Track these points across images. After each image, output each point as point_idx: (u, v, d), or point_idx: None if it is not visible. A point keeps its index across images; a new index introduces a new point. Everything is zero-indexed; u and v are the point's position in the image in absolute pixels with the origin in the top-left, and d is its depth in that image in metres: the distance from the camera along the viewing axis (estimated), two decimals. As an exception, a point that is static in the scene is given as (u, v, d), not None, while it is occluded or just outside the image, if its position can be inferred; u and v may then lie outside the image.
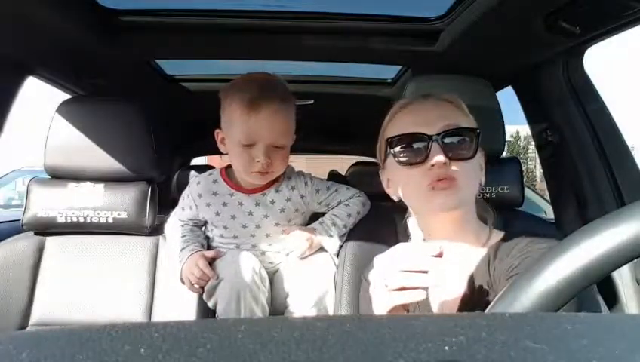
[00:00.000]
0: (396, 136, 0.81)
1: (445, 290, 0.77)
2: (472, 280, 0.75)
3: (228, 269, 1.05)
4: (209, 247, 1.19)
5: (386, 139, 0.83)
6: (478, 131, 0.80)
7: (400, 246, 0.61)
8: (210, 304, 1.08)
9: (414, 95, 1.13)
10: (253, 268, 1.05)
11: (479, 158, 0.82)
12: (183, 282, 1.11)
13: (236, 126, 1.03)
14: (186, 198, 1.18)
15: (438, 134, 0.77)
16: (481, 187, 0.85)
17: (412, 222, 0.94)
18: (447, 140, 0.77)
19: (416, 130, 0.78)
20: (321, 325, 0.28)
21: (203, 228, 1.22)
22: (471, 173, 0.79)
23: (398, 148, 0.80)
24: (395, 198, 0.88)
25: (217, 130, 1.11)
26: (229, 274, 1.04)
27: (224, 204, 1.14)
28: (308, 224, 1.20)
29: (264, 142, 1.03)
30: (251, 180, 1.10)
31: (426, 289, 0.57)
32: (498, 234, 0.83)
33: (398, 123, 0.84)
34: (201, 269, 1.06)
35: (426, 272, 0.56)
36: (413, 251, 0.57)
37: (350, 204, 1.19)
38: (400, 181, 0.84)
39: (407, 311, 0.63)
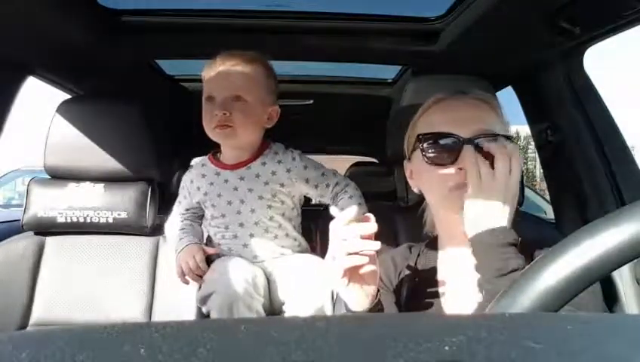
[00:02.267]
0: (429, 133, 0.78)
1: (461, 300, 0.76)
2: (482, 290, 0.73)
3: (219, 282, 1.04)
4: (208, 241, 1.20)
5: (417, 135, 0.80)
6: (513, 139, 0.78)
7: (337, 224, 0.65)
8: (204, 310, 1.08)
9: (416, 95, 1.14)
10: (245, 279, 1.03)
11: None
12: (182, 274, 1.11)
13: (203, 85, 1.11)
14: (182, 188, 1.22)
15: (472, 137, 0.74)
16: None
17: (427, 220, 0.93)
18: (479, 145, 0.74)
19: (450, 130, 0.76)
20: (321, 325, 0.28)
21: (202, 222, 1.24)
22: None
23: (427, 146, 0.78)
24: (415, 190, 0.87)
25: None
26: (221, 287, 1.03)
27: (211, 184, 1.16)
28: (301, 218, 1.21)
29: (221, 94, 1.07)
30: (219, 140, 1.12)
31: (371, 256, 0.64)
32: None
33: (432, 119, 0.81)
34: (196, 262, 1.07)
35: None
36: (357, 232, 0.64)
37: (354, 196, 1.18)
38: (424, 177, 0.82)
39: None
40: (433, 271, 0.82)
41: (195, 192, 1.18)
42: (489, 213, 0.69)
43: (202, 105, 1.12)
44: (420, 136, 0.79)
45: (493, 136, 0.75)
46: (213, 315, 1.03)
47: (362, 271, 0.65)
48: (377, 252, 0.67)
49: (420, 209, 0.94)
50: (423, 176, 0.82)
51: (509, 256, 0.67)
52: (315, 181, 1.18)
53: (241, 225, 1.15)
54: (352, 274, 0.66)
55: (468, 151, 0.73)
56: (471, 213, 0.71)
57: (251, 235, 1.15)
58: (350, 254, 0.63)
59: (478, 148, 0.74)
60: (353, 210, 0.65)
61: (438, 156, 0.77)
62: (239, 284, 1.02)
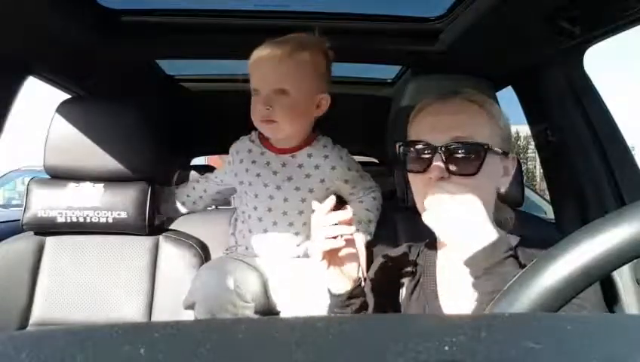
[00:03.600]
0: (404, 142, 0.80)
1: (460, 300, 0.75)
2: (492, 292, 0.72)
3: (200, 292, 1.02)
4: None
5: (396, 143, 0.82)
6: (487, 145, 0.74)
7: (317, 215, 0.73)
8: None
9: (416, 95, 1.13)
10: (227, 289, 0.99)
11: (495, 166, 0.77)
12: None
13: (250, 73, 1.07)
14: (229, 156, 1.23)
15: (443, 146, 0.73)
16: (497, 195, 0.81)
17: None
18: (450, 153, 0.73)
19: (426, 137, 0.76)
20: (321, 325, 0.28)
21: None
22: (473, 189, 0.72)
23: (404, 154, 0.79)
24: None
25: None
26: (201, 298, 1.01)
27: (253, 162, 1.16)
28: None
29: (264, 88, 1.05)
30: (265, 133, 1.12)
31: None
32: (514, 240, 0.79)
33: (416, 125, 0.82)
34: None
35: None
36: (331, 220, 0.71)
37: (376, 198, 1.20)
38: (410, 183, 0.83)
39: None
40: (432, 270, 0.82)
41: (239, 165, 1.18)
42: (471, 230, 0.67)
43: (252, 95, 1.09)
44: (398, 145, 0.81)
45: (464, 144, 0.73)
46: None
47: (341, 253, 0.73)
48: (368, 250, 0.70)
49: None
50: (409, 182, 0.83)
51: (509, 268, 0.65)
52: (353, 183, 1.18)
53: (269, 210, 1.14)
54: (332, 257, 0.73)
55: (438, 159, 0.73)
56: (454, 234, 0.69)
57: (274, 223, 1.14)
58: (328, 238, 0.70)
59: (450, 156, 0.73)
60: (331, 200, 0.72)
61: (413, 164, 0.78)
62: (221, 295, 0.99)
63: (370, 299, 0.85)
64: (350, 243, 0.73)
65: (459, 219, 0.67)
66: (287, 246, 1.15)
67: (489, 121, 0.78)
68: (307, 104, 1.08)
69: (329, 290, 0.77)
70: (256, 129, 1.16)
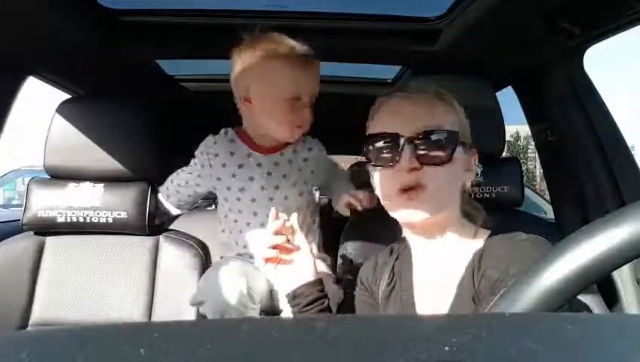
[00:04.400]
0: (370, 135, 0.77)
1: (435, 293, 0.75)
2: (459, 293, 0.71)
3: (210, 293, 1.01)
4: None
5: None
6: (457, 133, 0.74)
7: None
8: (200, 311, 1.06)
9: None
10: (239, 291, 0.99)
11: (462, 160, 0.76)
12: None
13: (280, 80, 1.04)
14: (200, 156, 1.16)
15: (411, 137, 0.72)
16: (464, 188, 0.79)
17: None
18: (420, 143, 0.71)
19: (393, 129, 0.73)
20: (321, 325, 0.28)
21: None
22: (445, 179, 0.73)
23: (371, 148, 0.76)
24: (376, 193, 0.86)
25: (245, 95, 1.10)
26: (212, 298, 1.00)
27: (240, 166, 1.12)
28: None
29: (310, 94, 1.06)
30: (290, 137, 1.11)
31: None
32: (485, 234, 0.78)
33: (379, 119, 0.79)
34: None
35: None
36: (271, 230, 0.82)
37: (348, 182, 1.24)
38: (374, 179, 0.80)
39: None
40: (409, 271, 0.81)
41: (220, 169, 1.13)
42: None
43: (272, 101, 1.06)
44: (364, 138, 0.78)
45: (432, 133, 0.72)
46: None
47: (284, 258, 0.82)
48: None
49: None
50: (373, 178, 0.80)
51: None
52: (330, 172, 1.23)
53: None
54: (277, 261, 0.82)
55: (408, 150, 0.71)
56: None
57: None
58: (268, 247, 0.81)
59: (420, 146, 0.72)
60: (272, 210, 0.84)
61: (381, 158, 0.75)
62: (231, 296, 0.98)
63: (357, 301, 0.87)
64: (284, 250, 0.82)
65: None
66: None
67: (453, 113, 0.77)
68: None
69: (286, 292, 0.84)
70: (230, 127, 1.17)
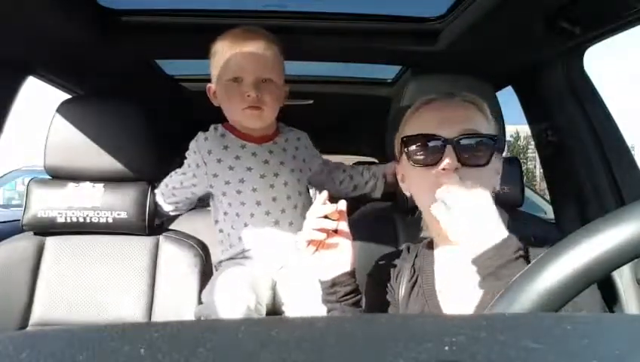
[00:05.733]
0: (412, 135, 0.79)
1: (459, 298, 0.76)
2: (486, 288, 0.72)
3: (217, 307, 0.98)
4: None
5: (402, 138, 0.81)
6: (496, 138, 0.78)
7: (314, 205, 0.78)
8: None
9: (416, 95, 1.14)
10: (247, 306, 0.96)
11: (495, 163, 0.79)
12: None
13: (224, 64, 1.06)
14: (193, 155, 1.15)
15: (454, 138, 0.74)
16: (494, 192, 0.81)
17: (423, 221, 0.93)
18: (462, 145, 0.74)
19: (434, 131, 0.76)
20: (321, 325, 0.28)
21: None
22: (483, 181, 0.75)
23: (412, 148, 0.78)
24: (407, 194, 0.87)
25: (208, 85, 1.13)
26: (218, 314, 0.97)
27: (237, 158, 1.12)
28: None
29: (252, 75, 1.05)
30: (247, 121, 1.10)
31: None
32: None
33: (419, 120, 0.82)
34: None
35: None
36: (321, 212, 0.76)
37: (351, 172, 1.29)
38: (412, 180, 0.82)
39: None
40: (430, 270, 0.82)
41: (215, 165, 1.12)
42: (484, 223, 0.67)
43: (221, 86, 1.08)
44: (404, 139, 0.80)
45: (475, 136, 0.75)
46: None
47: (328, 241, 0.78)
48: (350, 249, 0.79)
49: (417, 211, 0.94)
50: (411, 179, 0.83)
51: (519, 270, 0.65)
52: (319, 158, 1.25)
53: (274, 199, 1.13)
54: (319, 245, 0.78)
55: (450, 151, 0.74)
56: (465, 226, 0.68)
57: (283, 211, 1.14)
58: (314, 229, 0.76)
59: (462, 148, 0.74)
60: (324, 193, 0.78)
61: (423, 157, 0.77)
62: (239, 313, 0.95)
63: (369, 299, 0.86)
64: (341, 234, 0.79)
65: (472, 211, 0.68)
66: (299, 228, 1.13)
67: (487, 121, 0.81)
68: (281, 93, 1.13)
69: (317, 279, 0.81)
70: (220, 123, 1.17)
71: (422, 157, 0.77)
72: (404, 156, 0.81)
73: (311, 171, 1.24)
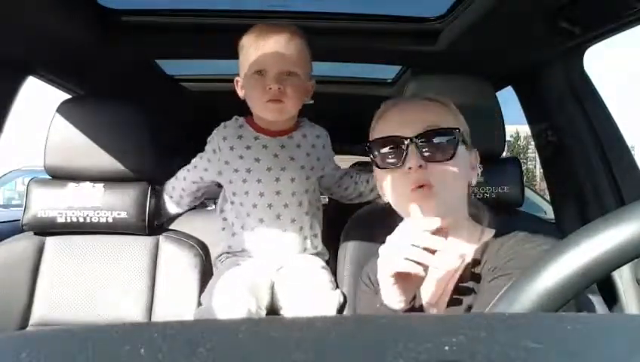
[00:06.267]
0: (375, 139, 0.80)
1: (435, 289, 0.77)
2: (460, 280, 0.75)
3: (217, 310, 0.99)
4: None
5: (366, 144, 0.82)
6: (458, 130, 0.77)
7: (407, 222, 0.68)
8: None
9: (416, 95, 1.14)
10: (248, 309, 0.97)
11: (465, 158, 0.79)
12: None
13: (248, 58, 1.07)
14: (211, 141, 1.18)
15: (415, 136, 0.74)
16: (471, 187, 0.82)
17: None
18: (423, 142, 0.74)
19: (395, 133, 0.76)
20: (321, 325, 0.28)
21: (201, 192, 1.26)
22: (451, 176, 0.75)
23: (377, 151, 0.79)
24: (385, 200, 0.87)
25: (236, 78, 1.14)
26: (221, 317, 0.97)
27: (247, 148, 1.14)
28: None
29: (274, 68, 1.05)
30: (268, 114, 1.10)
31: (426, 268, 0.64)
32: (489, 233, 0.81)
33: (382, 125, 0.83)
34: None
35: (433, 252, 0.63)
36: (422, 228, 0.64)
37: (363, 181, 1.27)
38: (383, 184, 0.82)
39: (415, 306, 0.70)
40: None
41: (228, 152, 1.15)
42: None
43: (246, 80, 1.09)
44: (368, 144, 0.81)
45: (435, 131, 0.75)
46: None
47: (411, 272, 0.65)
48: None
49: None
50: (382, 183, 0.83)
51: None
52: (333, 162, 1.25)
53: (278, 193, 1.13)
54: (401, 275, 0.66)
55: (413, 150, 0.74)
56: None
57: (286, 206, 1.14)
58: (407, 260, 0.63)
59: (424, 145, 0.74)
60: (436, 221, 0.65)
61: (387, 160, 0.78)
62: (239, 315, 0.96)
63: (368, 299, 0.86)
64: (424, 267, 0.65)
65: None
66: (301, 225, 1.16)
67: (453, 115, 0.81)
68: (306, 87, 1.12)
69: (385, 305, 0.71)
70: (241, 115, 1.18)
71: (387, 159, 0.78)
72: (372, 161, 0.82)
73: (323, 172, 1.23)
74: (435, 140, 0.75)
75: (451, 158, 0.75)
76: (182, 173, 1.25)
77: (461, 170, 0.77)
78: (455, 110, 0.82)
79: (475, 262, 0.75)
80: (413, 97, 0.85)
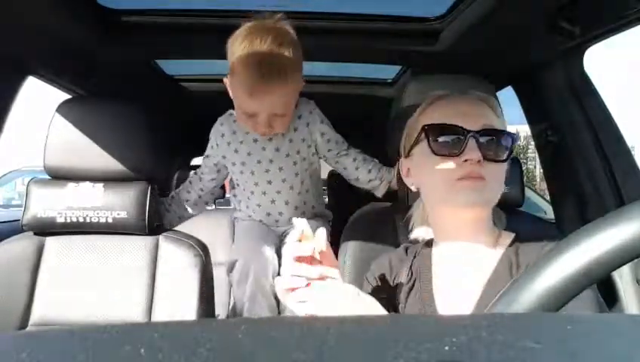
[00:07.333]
0: (435, 124, 0.79)
1: (459, 293, 0.76)
2: (490, 285, 0.73)
3: (247, 260, 1.20)
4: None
5: (423, 126, 0.80)
6: (514, 134, 0.79)
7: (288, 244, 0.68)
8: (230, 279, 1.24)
9: (416, 95, 1.14)
10: (272, 262, 1.18)
11: (507, 165, 0.81)
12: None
13: (239, 98, 1.10)
14: (211, 138, 1.29)
15: (478, 131, 0.75)
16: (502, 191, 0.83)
17: (416, 220, 0.93)
18: (484, 139, 0.75)
19: (456, 123, 0.77)
20: (321, 325, 0.28)
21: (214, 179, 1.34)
22: (500, 176, 0.78)
23: (436, 136, 0.78)
24: (412, 188, 0.86)
25: (225, 79, 1.15)
26: (245, 261, 1.19)
27: (241, 142, 1.23)
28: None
29: (265, 113, 1.10)
30: (256, 134, 1.19)
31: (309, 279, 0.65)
32: (508, 236, 0.81)
33: (436, 112, 0.82)
34: None
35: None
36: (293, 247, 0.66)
37: (357, 159, 1.33)
38: (427, 170, 0.81)
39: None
40: (428, 271, 0.81)
41: (226, 147, 1.25)
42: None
43: (238, 110, 1.14)
44: (426, 127, 0.79)
45: (497, 132, 0.77)
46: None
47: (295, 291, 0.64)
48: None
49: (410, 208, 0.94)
50: (426, 168, 0.81)
51: None
52: (328, 136, 1.27)
53: (269, 182, 1.24)
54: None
55: (473, 143, 0.74)
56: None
57: (278, 192, 1.25)
58: (293, 276, 0.65)
59: (484, 141, 0.75)
60: (297, 230, 0.67)
61: (445, 147, 0.77)
62: (266, 266, 1.18)
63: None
64: (326, 263, 0.68)
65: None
66: (296, 205, 1.29)
67: (499, 119, 0.82)
68: (295, 98, 1.17)
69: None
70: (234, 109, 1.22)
71: (444, 147, 0.77)
72: (421, 146, 0.81)
73: (317, 155, 1.29)
74: (495, 139, 0.77)
75: (505, 160, 0.78)
76: (195, 177, 1.36)
77: (504, 173, 0.80)
78: (500, 113, 0.83)
79: (509, 269, 0.75)
80: (464, 92, 0.84)
